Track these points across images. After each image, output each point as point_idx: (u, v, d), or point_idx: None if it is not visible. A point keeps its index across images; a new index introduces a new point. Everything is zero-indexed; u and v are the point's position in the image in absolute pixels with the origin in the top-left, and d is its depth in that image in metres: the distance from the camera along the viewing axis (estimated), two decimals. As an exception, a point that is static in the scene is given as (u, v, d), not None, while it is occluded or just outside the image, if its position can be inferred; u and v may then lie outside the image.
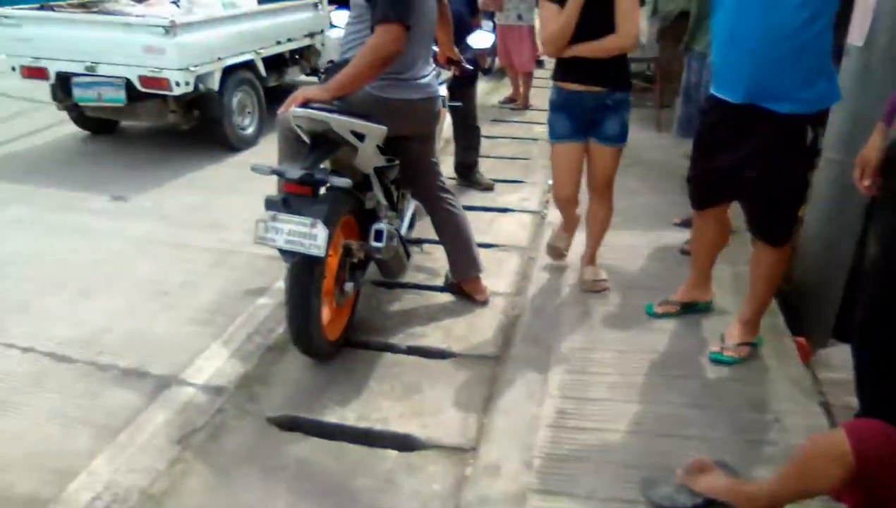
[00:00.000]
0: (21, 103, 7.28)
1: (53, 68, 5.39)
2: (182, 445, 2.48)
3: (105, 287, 3.66)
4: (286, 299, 2.70)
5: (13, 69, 5.57)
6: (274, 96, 6.18)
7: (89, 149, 6.01)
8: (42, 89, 6.03)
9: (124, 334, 3.23)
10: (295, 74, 6.72)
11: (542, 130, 5.77)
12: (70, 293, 3.60)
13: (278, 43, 6.10)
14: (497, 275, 3.55)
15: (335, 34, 6.57)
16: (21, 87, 6.85)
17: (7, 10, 5.50)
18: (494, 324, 3.16)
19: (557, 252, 3.54)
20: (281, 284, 3.46)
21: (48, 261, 3.95)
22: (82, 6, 6.19)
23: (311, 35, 6.51)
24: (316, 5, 6.50)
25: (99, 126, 6.16)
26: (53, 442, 2.56)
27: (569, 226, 3.55)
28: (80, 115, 6.01)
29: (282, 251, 2.62)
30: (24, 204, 4.75)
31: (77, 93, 5.41)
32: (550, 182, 4.06)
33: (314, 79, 7.17)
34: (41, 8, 5.86)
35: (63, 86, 5.50)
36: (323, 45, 6.64)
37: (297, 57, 6.58)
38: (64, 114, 6.08)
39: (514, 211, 4.43)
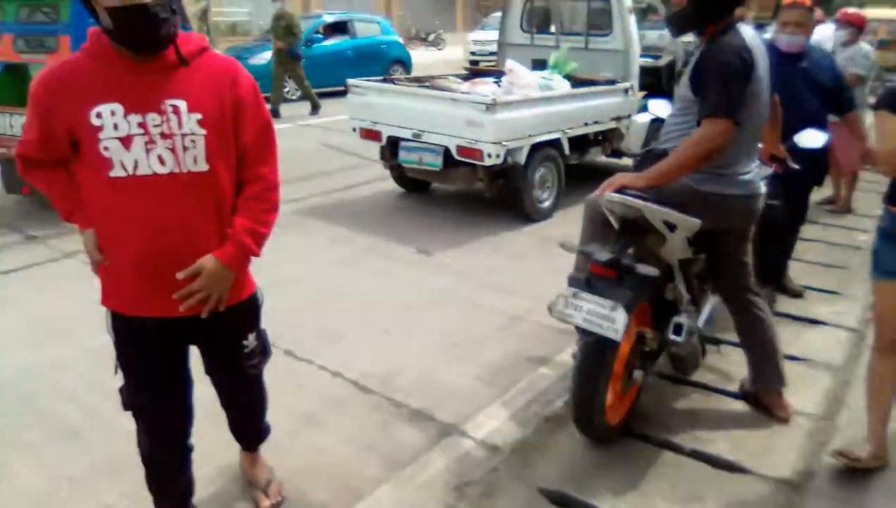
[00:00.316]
0: (352, 158, 8.41)
1: (386, 132, 6.15)
2: (457, 494, 2.58)
3: (404, 330, 4.01)
4: (574, 375, 2.72)
5: (353, 130, 6.47)
6: (573, 173, 6.41)
7: (403, 204, 6.70)
8: (371, 148, 6.92)
9: (417, 377, 3.49)
10: (596, 154, 6.87)
11: (865, 239, 5.20)
12: (374, 330, 4.00)
13: (585, 124, 6.31)
14: (802, 393, 3.19)
15: (642, 119, 6.65)
16: (352, 145, 7.93)
17: (358, 81, 6.45)
18: (795, 447, 2.84)
19: (852, 457, 2.64)
20: (564, 357, 3.51)
21: (360, 299, 4.44)
22: (417, 81, 7.01)
23: (618, 119, 6.63)
24: (626, 91, 6.63)
25: (414, 185, 6.85)
26: (347, 462, 2.83)
27: (875, 428, 2.65)
28: (400, 175, 6.75)
29: (578, 328, 2.66)
30: (347, 245, 5.43)
31: (402, 155, 6.09)
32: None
33: (615, 160, 7.29)
34: (384, 81, 6.78)
35: (391, 148, 6.24)
36: (628, 128, 6.73)
37: (600, 138, 6.73)
38: (385, 172, 6.87)
39: (826, 324, 3.99)
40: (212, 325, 2.03)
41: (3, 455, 2.86)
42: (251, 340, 2.23)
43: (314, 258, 5.14)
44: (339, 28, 14.64)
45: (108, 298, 2.01)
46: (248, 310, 2.19)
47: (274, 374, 2.56)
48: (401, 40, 16.17)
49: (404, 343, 3.86)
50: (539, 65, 6.93)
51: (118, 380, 2.12)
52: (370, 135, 6.32)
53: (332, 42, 14.24)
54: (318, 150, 8.99)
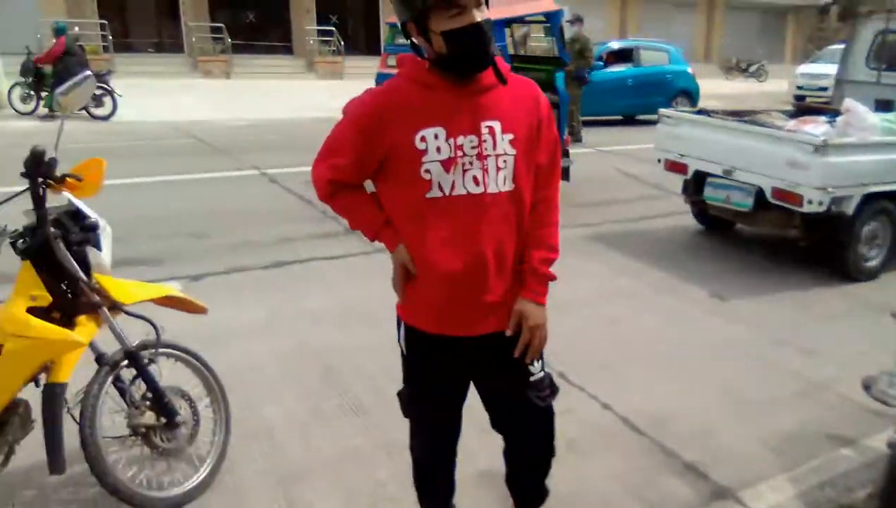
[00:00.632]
0: (649, 189, 8.20)
1: (694, 166, 5.85)
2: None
3: (686, 375, 3.77)
4: (888, 468, 2.32)
5: (658, 161, 6.27)
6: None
7: (701, 242, 6.34)
8: (672, 180, 6.66)
9: (693, 427, 3.26)
10: (945, 214, 5.82)
11: None
12: (653, 370, 3.82)
13: (938, 178, 5.38)
14: None
15: None
16: (652, 175, 7.73)
17: (669, 112, 6.26)
18: None
19: None
20: (874, 443, 3.04)
21: (641, 334, 4.29)
22: (735, 114, 6.58)
23: (982, 174, 5.54)
24: None
25: (715, 223, 6.44)
26: (608, 498, 2.75)
27: None
28: (701, 211, 6.39)
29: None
30: (634, 277, 5.28)
31: (707, 191, 5.76)
32: None
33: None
34: (699, 112, 6.47)
35: (697, 183, 5.93)
36: None
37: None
38: (685, 206, 6.56)
39: None
40: (502, 344, 2.00)
41: (302, 418, 3.26)
42: (537, 367, 2.10)
43: (599, 285, 5.08)
44: (623, 55, 14.36)
45: (407, 313, 2.05)
46: None
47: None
48: (690, 70, 15.19)
49: (684, 389, 3.63)
50: (885, 106, 6.09)
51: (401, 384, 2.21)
52: (675, 167, 6.08)
53: (612, 70, 13.95)
54: (615, 177, 8.91)
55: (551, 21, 7.55)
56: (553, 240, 2.02)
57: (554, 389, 2.18)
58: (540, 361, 2.11)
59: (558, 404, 2.79)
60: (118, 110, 12.46)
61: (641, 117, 14.68)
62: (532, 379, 2.09)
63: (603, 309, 4.63)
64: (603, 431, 3.22)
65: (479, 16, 1.74)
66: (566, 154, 7.57)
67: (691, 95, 14.79)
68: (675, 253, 5.98)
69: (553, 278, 2.01)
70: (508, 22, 7.48)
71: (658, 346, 4.13)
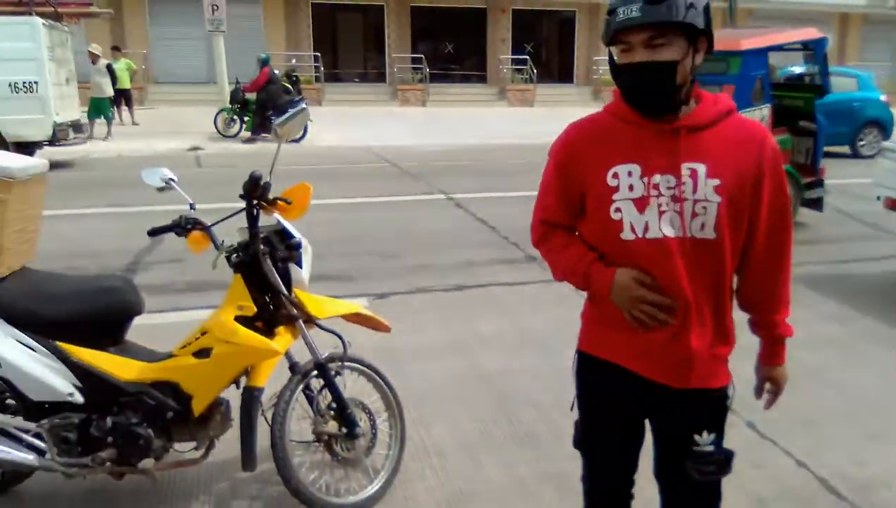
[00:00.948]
0: (866, 228, 7.45)
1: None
2: None
3: (898, 438, 3.35)
4: None
5: (877, 198, 5.68)
6: None
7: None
8: (892, 221, 5.99)
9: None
10: None
11: None
12: (860, 428, 3.43)
13: None
14: None
15: None
16: (869, 214, 6.99)
17: (893, 144, 5.64)
18: None
19: None
20: None
21: (848, 388, 3.88)
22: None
23: None
24: None
25: (943, 270, 5.72)
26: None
27: None
28: (927, 255, 5.70)
29: None
30: (842, 325, 4.80)
31: (936, 232, 5.13)
32: None
33: None
34: (929, 143, 5.80)
35: (923, 223, 5.31)
36: None
37: None
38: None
39: None
40: (677, 400, 1.87)
41: (472, 441, 3.29)
42: (705, 439, 1.90)
43: (802, 331, 4.44)
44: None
45: (588, 344, 1.98)
46: (712, 401, 1.91)
47: (730, 444, 2.35)
48: (884, 98, 13.63)
49: (894, 452, 3.22)
50: None
51: (574, 414, 2.11)
52: (896, 205, 5.49)
53: None
54: (825, 214, 8.16)
55: (815, 49, 7.43)
56: (788, 295, 1.91)
57: (723, 469, 1.94)
58: (713, 434, 1.91)
59: (747, 457, 2.59)
60: (308, 134, 13.47)
61: (825, 149, 13.49)
62: (695, 448, 1.90)
63: (804, 359, 4.21)
64: (796, 491, 2.93)
65: (648, 56, 1.65)
66: (821, 183, 7.41)
67: (884, 125, 13.41)
68: (892, 300, 5.34)
69: (792, 334, 1.93)
70: (770, 50, 7.32)
71: (867, 403, 3.69)
